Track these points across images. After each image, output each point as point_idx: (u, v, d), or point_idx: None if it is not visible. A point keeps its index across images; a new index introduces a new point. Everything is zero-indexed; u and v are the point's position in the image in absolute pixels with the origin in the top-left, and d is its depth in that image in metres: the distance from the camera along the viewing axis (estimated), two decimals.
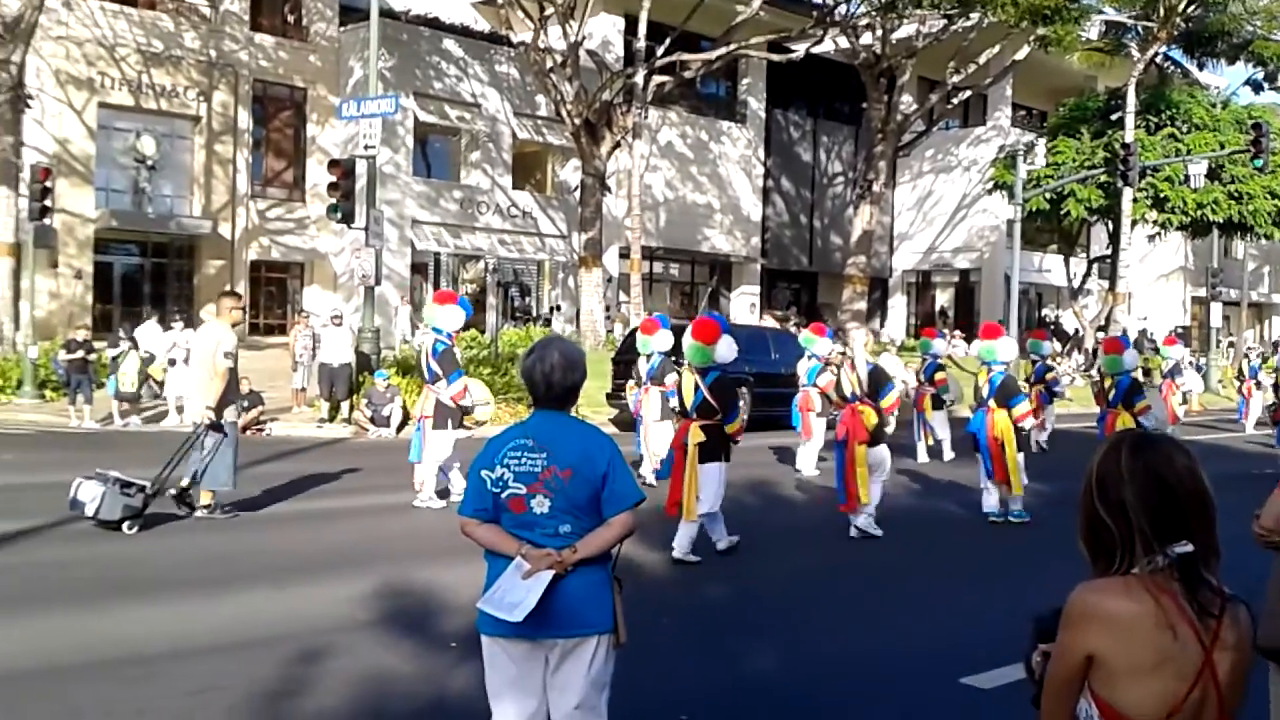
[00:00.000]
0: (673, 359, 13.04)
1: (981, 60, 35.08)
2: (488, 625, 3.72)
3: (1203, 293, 43.29)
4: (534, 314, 34.20)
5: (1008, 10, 28.42)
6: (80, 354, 18.49)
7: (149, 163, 29.38)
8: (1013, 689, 5.45)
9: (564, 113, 29.25)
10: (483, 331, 29.49)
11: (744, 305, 38.88)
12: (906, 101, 37.00)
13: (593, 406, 19.09)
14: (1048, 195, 33.65)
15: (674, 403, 12.11)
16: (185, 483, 10.12)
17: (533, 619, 3.56)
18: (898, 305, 45.35)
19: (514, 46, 30.65)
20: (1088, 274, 40.16)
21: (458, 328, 11.29)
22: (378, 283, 20.76)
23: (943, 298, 45.62)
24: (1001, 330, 12.09)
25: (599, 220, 30.19)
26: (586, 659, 3.69)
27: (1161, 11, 34.01)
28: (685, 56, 30.23)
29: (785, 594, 8.39)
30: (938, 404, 16.89)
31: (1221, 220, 34.63)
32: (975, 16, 31.36)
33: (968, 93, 37.44)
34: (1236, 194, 34.13)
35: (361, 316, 21.44)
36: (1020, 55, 35.64)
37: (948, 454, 16.44)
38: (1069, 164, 34.39)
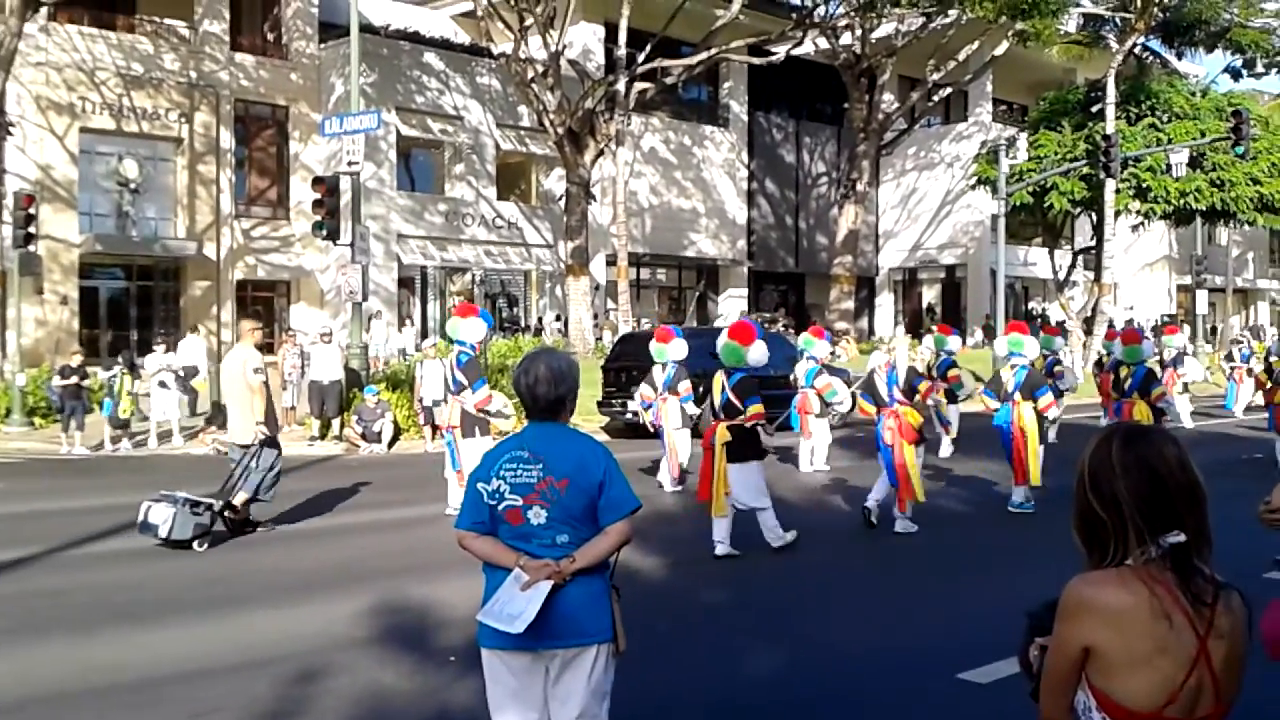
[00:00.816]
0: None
1: (961, 57, 35.22)
2: (487, 638, 3.72)
3: (1188, 280, 43.45)
4: (522, 324, 34.19)
5: (986, 6, 28.55)
6: (74, 380, 18.45)
7: (132, 185, 29.31)
8: (1010, 683, 5.47)
9: (547, 122, 29.27)
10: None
11: (732, 308, 38.92)
12: (888, 100, 37.12)
13: (583, 414, 19.07)
14: (1031, 189, 33.72)
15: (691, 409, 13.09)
16: (240, 499, 10.40)
17: (532, 630, 3.57)
18: (885, 304, 45.44)
19: (495, 58, 30.66)
20: (1073, 266, 40.24)
21: (480, 339, 11.68)
22: (365, 298, 20.75)
23: (929, 295, 45.72)
24: (1026, 326, 12.49)
25: (584, 228, 30.21)
26: (587, 668, 3.69)
27: (1139, 2, 34.14)
28: (666, 62, 30.28)
29: (783, 594, 8.41)
30: (951, 398, 17.16)
31: (1204, 208, 34.73)
32: (954, 13, 31.49)
33: (948, 90, 37.58)
34: (1218, 181, 34.25)
35: (349, 333, 21.41)
36: (999, 50, 35.79)
37: (946, 448, 16.61)
38: (1051, 157, 34.49)
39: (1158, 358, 19.16)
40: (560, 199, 32.92)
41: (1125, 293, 46.08)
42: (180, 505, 9.70)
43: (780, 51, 32.61)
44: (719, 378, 9.64)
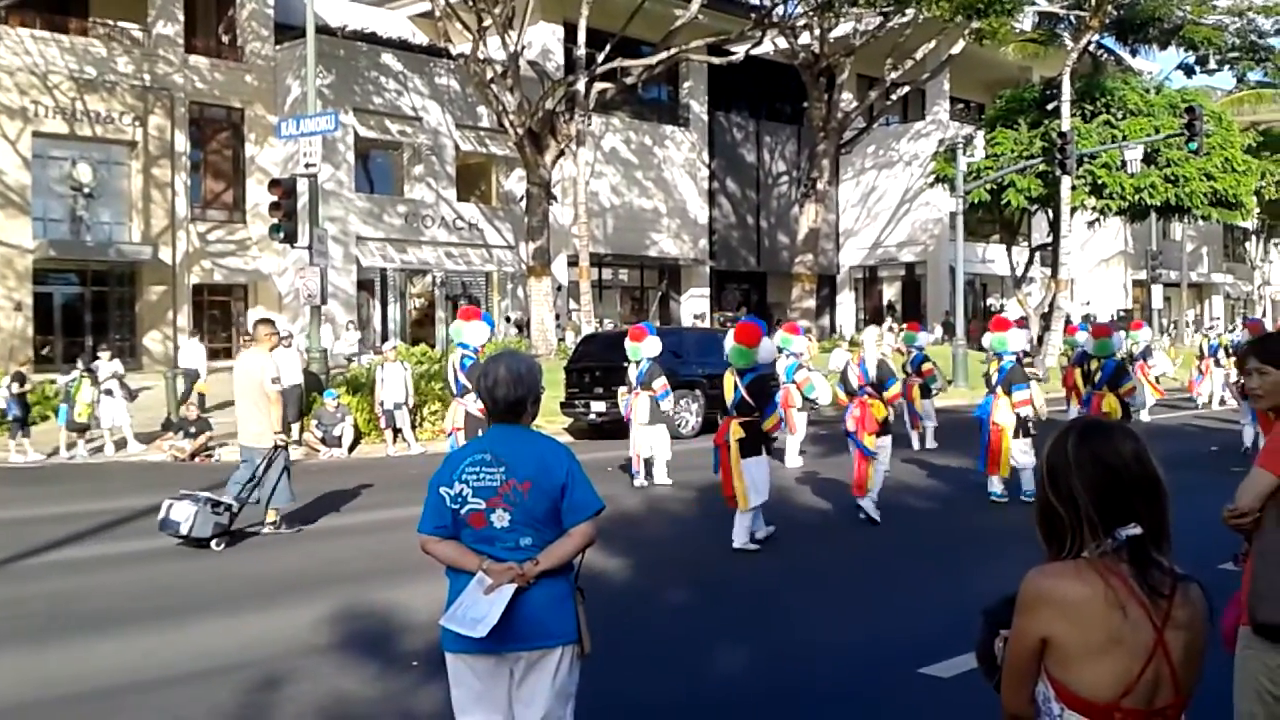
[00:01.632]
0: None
1: (918, 56, 35.44)
2: (451, 642, 3.70)
3: (1143, 275, 43.97)
4: None
5: (941, 5, 28.74)
6: (27, 387, 18.29)
7: (86, 190, 28.95)
8: (971, 677, 5.50)
9: (506, 123, 29.18)
10: (432, 346, 29.34)
11: (694, 308, 38.98)
12: (846, 99, 37.28)
13: (546, 416, 19.03)
14: (988, 186, 34.00)
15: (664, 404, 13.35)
16: (271, 514, 10.71)
17: (496, 632, 3.55)
18: (846, 301, 45.68)
19: (453, 59, 30.53)
20: (1030, 262, 40.61)
21: (483, 342, 11.89)
22: (324, 301, 20.59)
23: (890, 292, 46.00)
24: (1010, 323, 12.86)
25: (546, 229, 30.14)
26: (551, 670, 3.68)
27: (1093, 0, 34.51)
28: (626, 62, 30.26)
29: (748, 592, 8.41)
30: (925, 393, 17.43)
31: (1159, 204, 35.17)
32: (910, 13, 31.66)
33: (906, 88, 37.80)
34: (1172, 177, 34.68)
35: (308, 336, 21.24)
36: (956, 49, 36.06)
37: (930, 442, 16.80)
38: (1008, 155, 34.79)
39: (1126, 352, 19.47)
40: (521, 200, 32.82)
41: (1082, 288, 46.59)
42: (202, 504, 9.97)
43: (739, 51, 32.68)
44: (731, 377, 9.90)
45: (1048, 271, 39.71)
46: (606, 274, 38.15)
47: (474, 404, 11.15)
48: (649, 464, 13.69)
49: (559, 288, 33.05)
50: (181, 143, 30.34)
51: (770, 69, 38.16)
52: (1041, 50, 37.98)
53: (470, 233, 33.95)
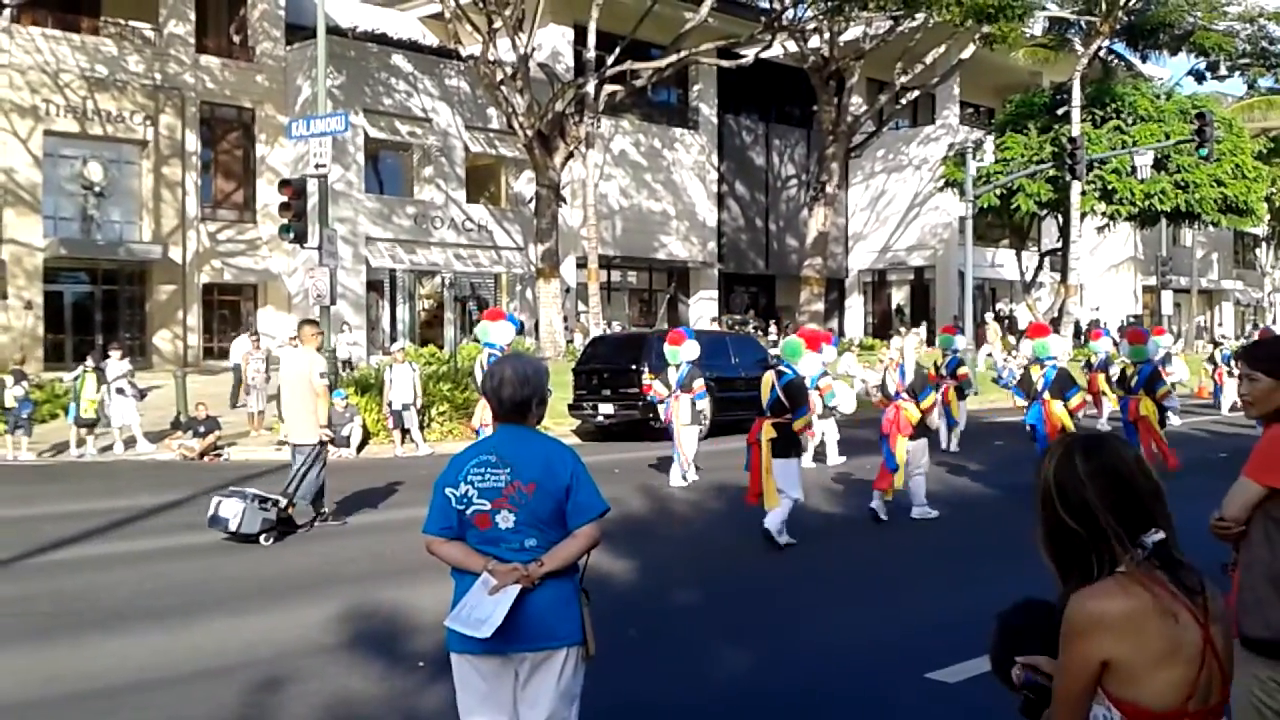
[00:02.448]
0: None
1: (928, 60, 35.40)
2: (457, 643, 3.71)
3: (1153, 281, 43.94)
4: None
5: (952, 10, 28.72)
6: (25, 385, 18.41)
7: (96, 189, 29.04)
8: (978, 682, 5.49)
9: (516, 125, 29.20)
10: (441, 347, 29.36)
11: (703, 311, 38.97)
12: (856, 103, 37.28)
13: (554, 418, 19.02)
14: (998, 191, 33.98)
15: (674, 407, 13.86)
16: (324, 506, 11.04)
17: (501, 633, 3.56)
18: (855, 305, 45.63)
19: (463, 60, 30.56)
20: (1039, 267, 40.60)
21: (509, 341, 12.27)
22: (333, 301, 20.61)
23: (899, 296, 45.94)
24: (1049, 329, 13.16)
25: (555, 231, 30.15)
26: (556, 671, 3.68)
27: (1103, 5, 34.49)
28: (635, 65, 30.27)
29: (755, 595, 8.40)
30: (960, 395, 17.57)
31: (1169, 209, 35.12)
32: (921, 17, 31.65)
33: (916, 92, 37.79)
34: (1183, 183, 34.64)
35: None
36: (966, 54, 36.01)
37: (953, 446, 16.81)
38: (1017, 159, 34.77)
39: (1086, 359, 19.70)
40: (530, 201, 32.85)
41: (1091, 294, 46.46)
42: (250, 501, 10.20)
43: (749, 54, 32.68)
44: (769, 378, 10.19)
45: (1057, 277, 39.66)
46: (615, 276, 38.16)
47: None
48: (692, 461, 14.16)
49: (567, 290, 33.07)
50: (192, 142, 30.42)
51: (780, 72, 38.14)
52: (1052, 55, 37.97)
53: (479, 234, 33.99)
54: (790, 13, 32.73)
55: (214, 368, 27.63)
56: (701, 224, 39.49)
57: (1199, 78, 40.24)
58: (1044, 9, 36.26)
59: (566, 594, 3.71)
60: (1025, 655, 2.42)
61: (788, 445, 9.94)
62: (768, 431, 9.88)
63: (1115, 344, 24.15)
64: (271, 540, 10.27)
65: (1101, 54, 37.35)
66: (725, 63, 33.24)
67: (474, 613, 3.59)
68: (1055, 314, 36.52)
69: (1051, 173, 33.37)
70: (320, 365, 10.99)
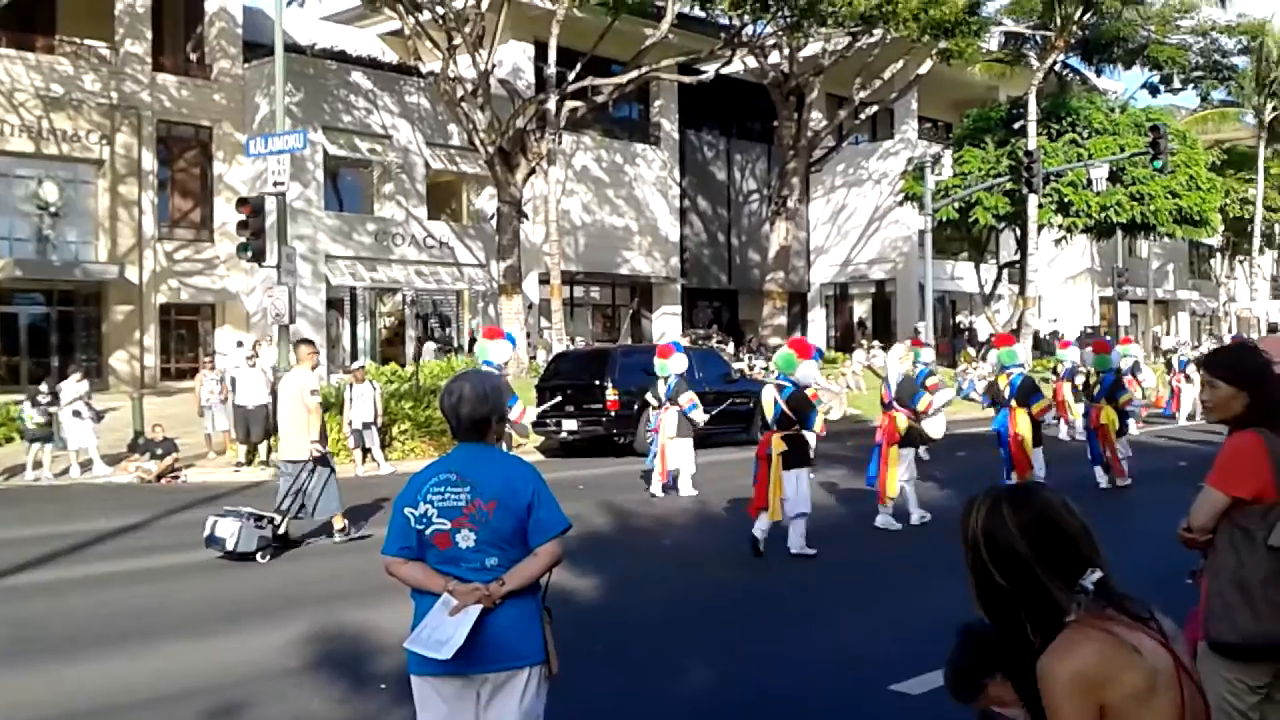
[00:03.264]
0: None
1: (886, 75, 35.70)
2: (417, 665, 3.67)
3: (1109, 292, 44.33)
4: (454, 344, 33.90)
5: (910, 25, 28.97)
6: None
7: (52, 209, 28.68)
8: (939, 694, 5.49)
9: (477, 141, 29.15)
10: (402, 364, 29.19)
11: (666, 326, 39.00)
12: (816, 118, 37.50)
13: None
14: (956, 204, 34.28)
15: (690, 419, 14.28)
16: (288, 514, 10.94)
17: (462, 654, 3.52)
18: (817, 318, 45.83)
19: (424, 77, 30.47)
20: (998, 279, 40.96)
21: (507, 359, 12.57)
22: (292, 320, 20.43)
23: (861, 309, 46.20)
24: (1014, 339, 13.69)
25: (517, 247, 30.10)
26: (518, 692, 3.65)
27: (1058, 21, 34.93)
28: (597, 81, 30.32)
29: (717, 609, 8.39)
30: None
31: (1124, 221, 35.56)
32: (879, 33, 31.90)
33: (875, 107, 38.04)
34: (1138, 195, 35.09)
35: (277, 355, 21.06)
36: (924, 69, 36.35)
37: (923, 452, 16.89)
38: (975, 173, 35.10)
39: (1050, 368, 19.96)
40: (492, 218, 32.77)
41: (1049, 305, 46.94)
42: (245, 520, 10.34)
43: (710, 70, 32.82)
44: (770, 393, 10.39)
45: (1015, 288, 40.05)
46: (578, 292, 38.12)
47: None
48: (674, 476, 14.41)
49: (530, 306, 32.99)
50: (149, 161, 30.13)
51: (740, 88, 38.33)
52: (1008, 70, 38.41)
53: (441, 251, 33.86)
54: (750, 29, 32.91)
55: (171, 389, 27.32)
56: (664, 239, 39.56)
57: (1153, 91, 40.87)
58: (1000, 24, 36.72)
59: (528, 613, 3.68)
60: (989, 667, 2.41)
61: (797, 458, 10.10)
62: (778, 445, 10.06)
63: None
64: (268, 558, 10.35)
65: (1057, 68, 37.84)
66: (686, 79, 33.37)
67: (434, 634, 3.55)
68: (1014, 325, 36.84)
69: (1009, 186, 33.71)
70: (312, 383, 11.19)
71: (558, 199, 31.94)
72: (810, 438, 10.52)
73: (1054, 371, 21.81)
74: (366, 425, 18.35)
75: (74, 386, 18.99)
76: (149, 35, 30.23)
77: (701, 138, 42.05)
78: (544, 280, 32.64)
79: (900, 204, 38.41)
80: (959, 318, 45.90)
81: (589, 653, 6.50)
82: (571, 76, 29.79)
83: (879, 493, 11.45)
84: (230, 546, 10.21)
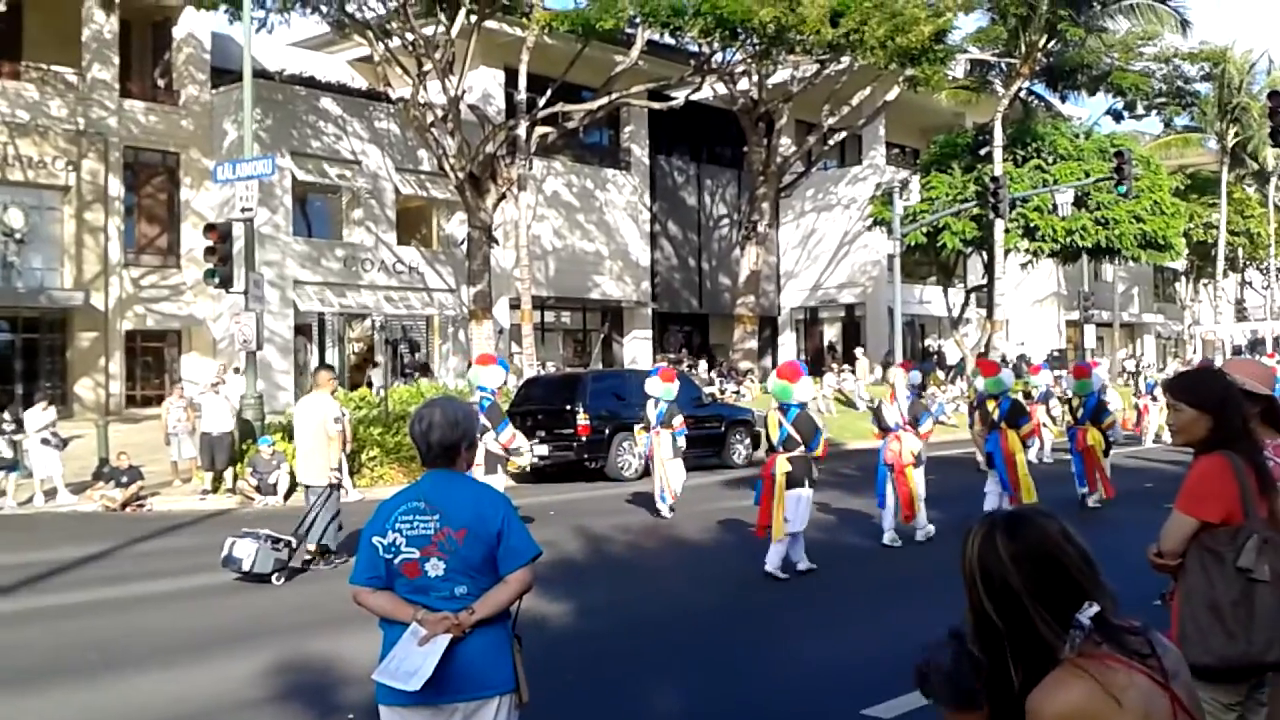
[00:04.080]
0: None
1: (854, 102, 35.99)
2: (386, 695, 3.62)
3: (1076, 316, 44.75)
4: (418, 370, 33.70)
5: (877, 53, 29.22)
6: None
7: (17, 235, 28.39)
8: (911, 718, 5.48)
9: (447, 167, 29.12)
10: (371, 389, 29.01)
11: (637, 350, 39.01)
12: (785, 144, 37.73)
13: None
14: (924, 229, 34.50)
15: (675, 443, 14.80)
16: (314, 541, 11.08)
17: (432, 683, 3.48)
18: (787, 342, 45.98)
19: (393, 103, 30.44)
20: (966, 303, 41.22)
21: (499, 384, 12.84)
22: (259, 347, 20.31)
23: (830, 333, 46.38)
24: (998, 367, 14.15)
25: (487, 272, 30.05)
26: None
27: (1023, 48, 35.33)
28: (567, 107, 30.39)
29: (690, 634, 8.34)
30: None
31: (1090, 246, 35.89)
32: (846, 60, 32.17)
33: (843, 133, 38.34)
34: (1103, 220, 35.44)
35: (245, 382, 20.91)
36: (891, 96, 36.67)
37: None
38: (943, 198, 35.36)
39: (1023, 391, 20.32)
40: (462, 243, 32.73)
41: (1016, 328, 47.30)
42: (262, 541, 10.44)
43: (680, 96, 32.98)
44: (775, 415, 10.54)
45: (983, 312, 40.33)
46: (549, 317, 38.09)
47: (494, 442, 12.00)
48: (663, 494, 14.74)
49: (500, 331, 32.93)
50: (116, 187, 29.90)
51: (710, 114, 38.54)
52: (974, 97, 38.81)
53: (410, 276, 33.75)
54: (719, 56, 33.12)
55: (137, 415, 27.04)
56: (635, 264, 39.62)
57: (1117, 117, 41.34)
58: (965, 52, 37.09)
59: (498, 641, 3.65)
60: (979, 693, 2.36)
61: (800, 478, 10.29)
62: (782, 465, 10.28)
63: (1056, 378, 24.61)
64: (283, 580, 10.47)
65: (1022, 95, 38.23)
66: (656, 104, 33.53)
67: (403, 665, 3.51)
68: (982, 349, 37.06)
69: (976, 211, 33.98)
70: (335, 410, 11.36)
71: (528, 224, 31.95)
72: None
73: (1026, 395, 21.96)
74: None
75: (41, 415, 18.75)
76: (116, 61, 30.06)
77: (672, 163, 42.21)
78: (515, 305, 32.60)
79: (869, 229, 38.63)
80: (928, 341, 46.15)
81: (560, 680, 6.45)
82: (542, 102, 29.85)
83: (904, 515, 11.83)
84: (247, 567, 10.35)
